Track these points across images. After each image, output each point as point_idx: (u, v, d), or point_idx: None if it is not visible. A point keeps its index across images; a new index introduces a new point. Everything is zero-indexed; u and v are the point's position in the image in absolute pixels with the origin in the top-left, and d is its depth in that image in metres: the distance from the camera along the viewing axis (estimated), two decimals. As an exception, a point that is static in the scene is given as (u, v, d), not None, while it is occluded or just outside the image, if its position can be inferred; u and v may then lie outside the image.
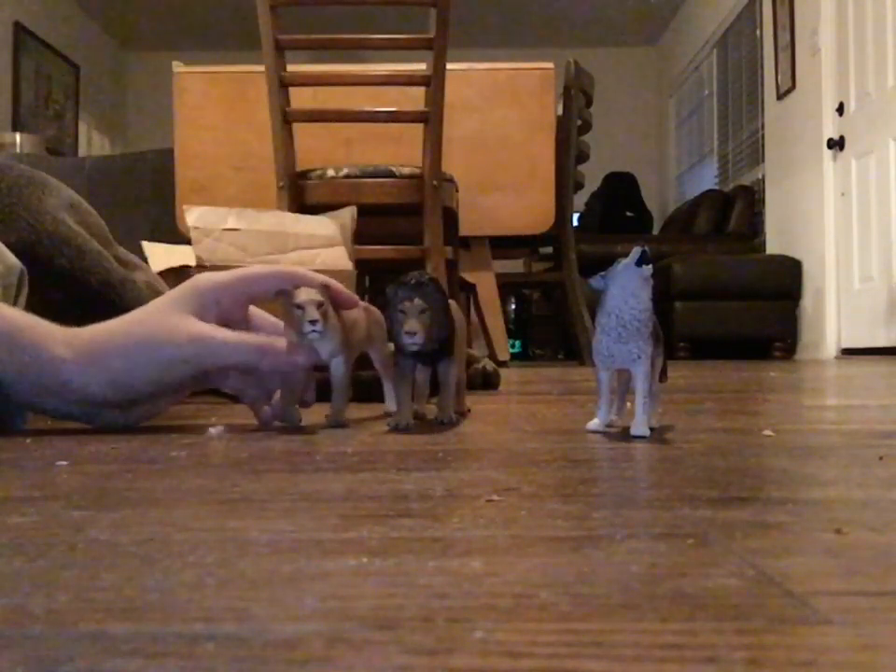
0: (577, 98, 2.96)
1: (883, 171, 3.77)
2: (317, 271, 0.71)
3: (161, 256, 1.42)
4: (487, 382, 1.26)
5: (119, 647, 0.18)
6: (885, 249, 3.74)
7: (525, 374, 2.09)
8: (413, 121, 2.28)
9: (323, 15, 6.33)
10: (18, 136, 4.76)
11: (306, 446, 0.56)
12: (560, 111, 2.98)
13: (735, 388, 1.29)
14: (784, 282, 4.44)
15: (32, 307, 0.69)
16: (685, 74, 6.91)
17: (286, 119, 2.24)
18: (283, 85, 2.23)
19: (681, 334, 4.46)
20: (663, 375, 0.66)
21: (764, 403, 0.96)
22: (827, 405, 0.93)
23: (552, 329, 5.74)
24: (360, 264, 2.12)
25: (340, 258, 1.42)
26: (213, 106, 2.83)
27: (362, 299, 0.76)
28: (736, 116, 5.86)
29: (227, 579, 0.24)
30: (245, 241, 1.35)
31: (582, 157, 3.10)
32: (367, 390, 0.96)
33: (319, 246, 1.41)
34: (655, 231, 6.64)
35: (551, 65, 2.88)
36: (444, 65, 2.18)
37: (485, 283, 2.82)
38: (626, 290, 0.57)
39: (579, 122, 3.00)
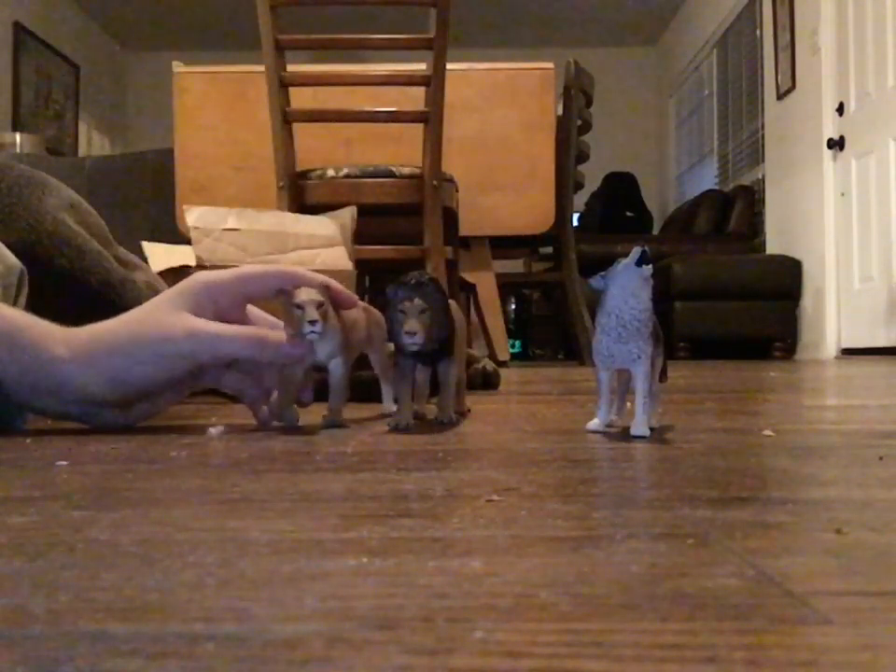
0: (577, 98, 2.97)
1: (883, 171, 3.77)
2: (317, 271, 0.71)
3: (161, 256, 1.42)
4: (487, 382, 1.26)
5: (119, 647, 0.18)
6: (885, 249, 3.74)
7: (524, 374, 2.09)
8: (412, 121, 2.28)
9: (323, 15, 6.33)
10: (18, 136, 4.75)
11: (306, 446, 0.56)
12: (560, 111, 2.98)
13: (734, 388, 1.29)
14: (784, 282, 4.44)
15: (32, 307, 0.69)
16: (685, 74, 6.91)
17: (286, 119, 2.25)
18: (283, 85, 2.24)
19: (681, 334, 4.46)
20: (663, 375, 0.66)
21: (764, 403, 0.96)
22: (827, 405, 0.93)
23: (552, 329, 5.74)
24: (360, 264, 2.12)
25: (340, 258, 1.42)
26: (213, 106, 2.83)
27: (362, 299, 0.76)
28: (736, 116, 5.86)
29: (227, 579, 0.24)
30: (245, 241, 1.35)
31: (582, 157, 3.10)
32: (367, 390, 0.96)
33: (319, 246, 1.41)
34: (655, 231, 6.65)
35: (551, 65, 2.88)
36: (444, 65, 2.18)
37: (485, 283, 2.82)
38: (626, 290, 0.57)
39: (579, 122, 3.00)
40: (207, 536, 0.29)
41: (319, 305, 0.63)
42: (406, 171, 2.30)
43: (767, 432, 0.62)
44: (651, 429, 0.61)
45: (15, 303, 0.71)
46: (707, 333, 4.47)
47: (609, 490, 0.38)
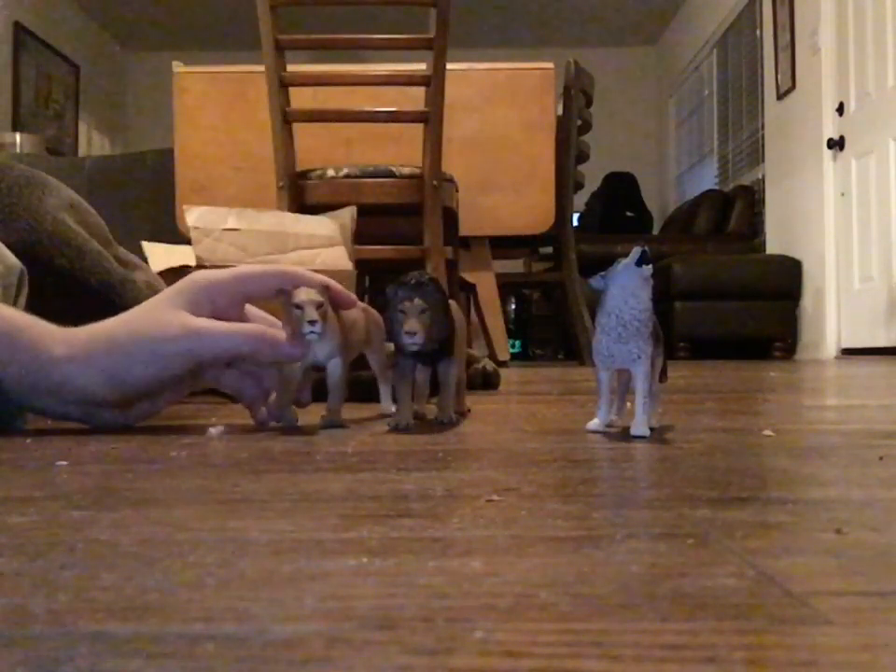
0: (577, 98, 2.97)
1: (883, 171, 3.77)
2: (317, 271, 0.71)
3: (161, 256, 1.42)
4: (487, 382, 1.26)
5: (119, 647, 0.18)
6: (885, 249, 3.74)
7: (524, 374, 2.09)
8: (413, 121, 2.28)
9: (323, 15, 6.33)
10: (18, 136, 4.76)
11: (306, 446, 0.56)
12: (560, 111, 2.98)
13: (734, 388, 1.29)
14: (784, 282, 4.44)
15: (32, 307, 0.69)
16: (685, 74, 6.91)
17: (286, 119, 2.25)
18: (283, 85, 2.24)
19: (681, 334, 4.46)
20: (663, 375, 0.66)
21: (764, 403, 0.96)
22: (827, 405, 0.93)
23: (552, 329, 5.74)
24: (360, 264, 2.12)
25: (340, 258, 1.42)
26: (213, 106, 2.83)
27: (362, 299, 0.76)
28: (736, 116, 5.86)
29: (227, 579, 0.23)
30: (244, 241, 1.35)
31: (582, 157, 3.10)
32: (366, 391, 0.96)
33: (319, 246, 1.41)
34: (655, 231, 6.65)
35: (551, 65, 2.88)
36: (444, 65, 2.18)
37: (485, 283, 2.82)
38: (626, 290, 0.57)
39: (579, 122, 3.00)
40: (207, 536, 0.29)
41: (319, 305, 0.63)
42: (406, 171, 2.30)
43: (767, 432, 0.62)
44: (651, 429, 0.61)
45: (15, 303, 0.71)
46: (707, 333, 4.47)
47: (609, 490, 0.38)
